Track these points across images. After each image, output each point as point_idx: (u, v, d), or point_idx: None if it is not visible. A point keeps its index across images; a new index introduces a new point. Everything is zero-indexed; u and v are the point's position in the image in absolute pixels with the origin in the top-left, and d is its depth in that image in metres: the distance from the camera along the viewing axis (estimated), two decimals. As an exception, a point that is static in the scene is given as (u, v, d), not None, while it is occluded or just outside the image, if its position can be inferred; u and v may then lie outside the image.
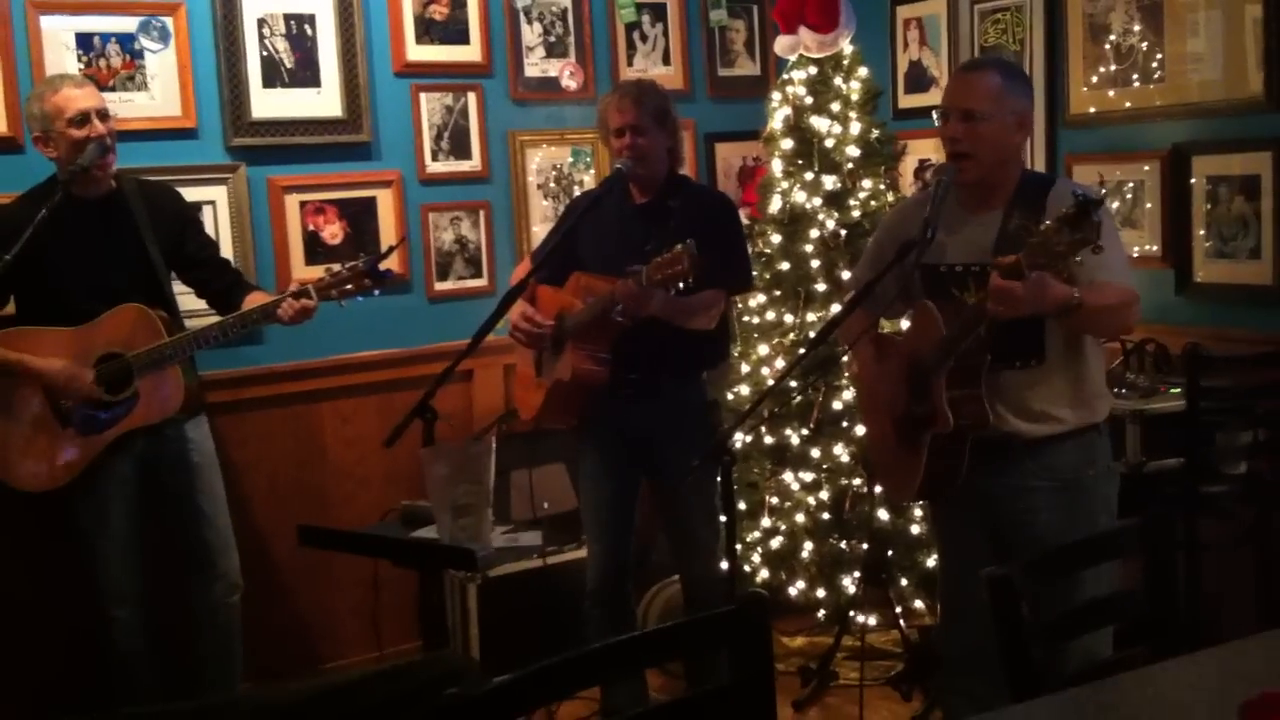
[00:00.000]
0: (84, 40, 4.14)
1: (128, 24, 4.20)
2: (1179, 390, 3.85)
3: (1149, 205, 4.38)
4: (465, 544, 3.12)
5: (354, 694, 1.65)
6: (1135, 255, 4.34)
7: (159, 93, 4.26)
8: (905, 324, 3.43)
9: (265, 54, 4.42)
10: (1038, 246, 2.65)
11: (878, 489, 4.36)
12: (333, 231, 4.58)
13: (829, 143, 4.64)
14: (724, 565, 3.44)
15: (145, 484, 3.77)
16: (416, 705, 1.67)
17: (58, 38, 4.09)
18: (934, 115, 3.12)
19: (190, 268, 3.90)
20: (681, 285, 3.39)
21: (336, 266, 3.75)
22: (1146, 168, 4.38)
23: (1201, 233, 4.25)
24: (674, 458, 3.67)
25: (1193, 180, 4.26)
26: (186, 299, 3.95)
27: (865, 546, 4.50)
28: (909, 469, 3.10)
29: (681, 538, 3.89)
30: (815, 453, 4.56)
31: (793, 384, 4.38)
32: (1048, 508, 3.02)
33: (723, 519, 3.26)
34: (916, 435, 3.05)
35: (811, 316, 4.58)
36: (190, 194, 4.15)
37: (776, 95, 4.81)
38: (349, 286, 3.67)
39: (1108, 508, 3.09)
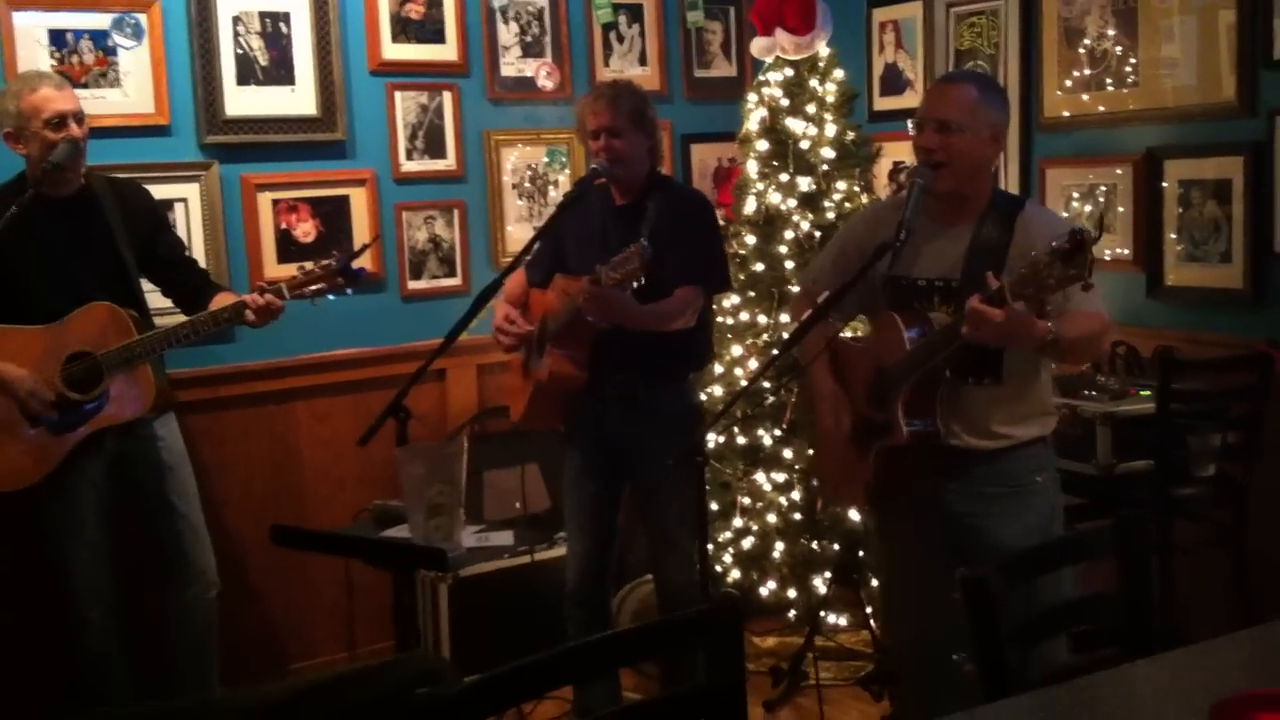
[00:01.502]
0: (57, 37, 4.11)
1: (101, 20, 4.18)
2: (1149, 393, 3.87)
3: (1121, 209, 4.40)
4: (438, 544, 3.12)
5: (326, 696, 1.65)
6: (1107, 258, 4.36)
7: (132, 90, 4.24)
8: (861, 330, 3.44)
9: (240, 51, 4.40)
10: (1028, 277, 2.63)
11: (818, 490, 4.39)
12: (305, 230, 4.56)
13: (804, 144, 4.65)
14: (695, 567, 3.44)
15: (116, 484, 3.75)
16: (389, 706, 1.66)
17: (30, 34, 4.06)
18: (909, 124, 3.12)
19: (160, 267, 3.87)
20: (635, 285, 3.40)
21: (309, 265, 3.72)
22: (1119, 171, 4.41)
23: (1173, 236, 4.28)
24: (655, 461, 3.65)
25: (1165, 184, 4.29)
26: (152, 298, 3.90)
27: (836, 547, 4.51)
28: (856, 474, 3.11)
29: (658, 541, 3.88)
30: (788, 453, 4.57)
31: (765, 385, 4.39)
32: (1000, 512, 3.04)
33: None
34: (868, 442, 3.07)
35: (785, 318, 4.58)
36: (163, 191, 4.13)
37: (753, 97, 4.81)
38: (321, 285, 3.65)
39: (1056, 513, 3.13)
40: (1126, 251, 4.40)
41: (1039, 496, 3.08)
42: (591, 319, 3.56)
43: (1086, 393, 3.93)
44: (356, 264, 3.70)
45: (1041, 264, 2.61)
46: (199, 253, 4.28)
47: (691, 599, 3.70)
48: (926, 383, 2.96)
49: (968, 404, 3.01)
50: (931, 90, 3.24)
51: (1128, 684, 2.04)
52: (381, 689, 1.66)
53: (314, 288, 3.64)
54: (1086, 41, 4.49)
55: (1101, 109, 4.47)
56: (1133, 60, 4.35)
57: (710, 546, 4.45)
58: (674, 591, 3.86)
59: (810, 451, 4.52)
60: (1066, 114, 4.57)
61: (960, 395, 3.00)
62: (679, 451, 3.18)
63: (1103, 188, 4.47)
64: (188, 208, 4.34)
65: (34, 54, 4.06)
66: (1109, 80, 4.43)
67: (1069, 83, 4.56)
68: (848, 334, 3.53)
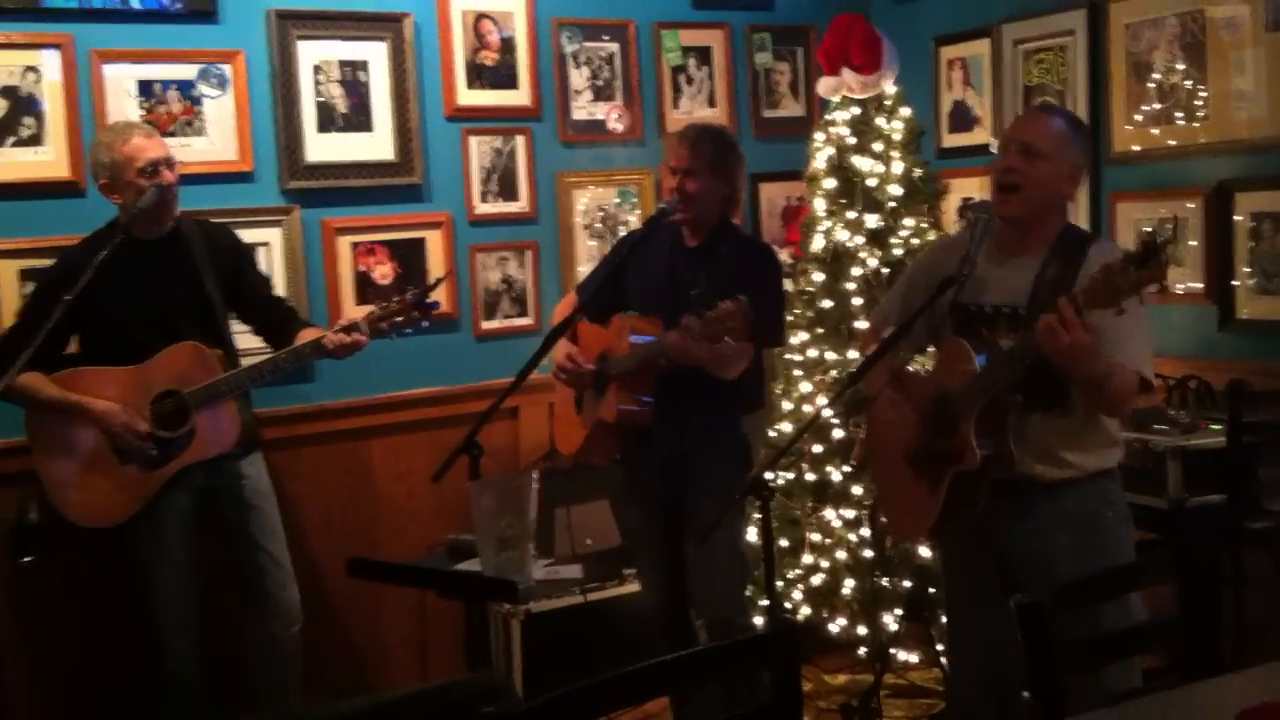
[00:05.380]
0: (145, 87, 4.27)
1: (187, 71, 4.33)
2: (1220, 426, 3.85)
3: (1193, 242, 4.38)
4: (508, 575, 3.17)
5: (392, 712, 1.71)
6: (1179, 291, 4.35)
7: (217, 137, 4.38)
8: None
9: (320, 99, 4.54)
10: (1099, 282, 2.65)
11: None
12: (383, 272, 4.67)
13: (871, 182, 4.69)
14: (762, 601, 3.45)
15: (203, 516, 3.84)
16: (453, 722, 1.72)
17: (120, 84, 4.22)
18: (992, 145, 3.16)
19: (246, 304, 3.99)
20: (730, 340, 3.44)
21: (386, 302, 3.83)
22: (1190, 205, 4.39)
23: (1245, 269, 4.25)
24: (706, 478, 3.68)
25: (1237, 217, 4.27)
26: (242, 339, 4.03)
27: (907, 584, 4.50)
28: (924, 506, 3.10)
29: (706, 576, 3.84)
30: (857, 489, 4.58)
31: (834, 420, 4.41)
32: (1064, 549, 3.02)
33: (761, 557, 3.26)
34: (938, 472, 3.06)
35: (853, 354, 4.60)
36: (246, 235, 4.25)
37: (820, 135, 4.86)
38: (398, 319, 3.76)
39: (1124, 549, 3.09)
40: (1198, 285, 4.37)
41: (1105, 535, 3.05)
42: (665, 363, 3.60)
43: (1157, 426, 3.91)
44: (430, 297, 3.80)
45: (1115, 269, 2.61)
46: (281, 295, 4.40)
47: (732, 632, 3.68)
48: (996, 408, 2.97)
49: (1040, 431, 3.02)
50: (1023, 114, 3.29)
51: (1173, 704, 2.04)
52: (447, 705, 1.72)
53: (391, 322, 3.75)
54: (1155, 75, 4.48)
55: (1172, 142, 4.45)
56: (1203, 93, 4.34)
57: (779, 583, 4.47)
58: (714, 625, 3.81)
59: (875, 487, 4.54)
60: (1136, 148, 4.57)
61: (1033, 423, 3.01)
62: (740, 486, 3.19)
63: (1173, 221, 4.45)
64: (270, 251, 4.46)
65: (123, 104, 4.21)
66: (1178, 114, 4.42)
67: (1138, 116, 4.55)
68: (913, 367, 3.55)
